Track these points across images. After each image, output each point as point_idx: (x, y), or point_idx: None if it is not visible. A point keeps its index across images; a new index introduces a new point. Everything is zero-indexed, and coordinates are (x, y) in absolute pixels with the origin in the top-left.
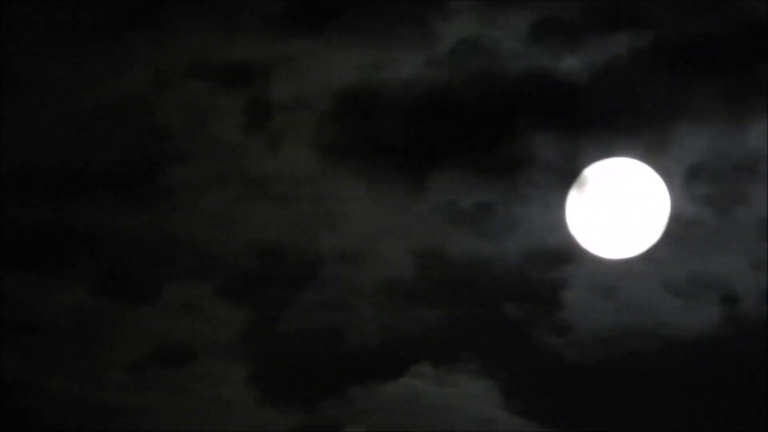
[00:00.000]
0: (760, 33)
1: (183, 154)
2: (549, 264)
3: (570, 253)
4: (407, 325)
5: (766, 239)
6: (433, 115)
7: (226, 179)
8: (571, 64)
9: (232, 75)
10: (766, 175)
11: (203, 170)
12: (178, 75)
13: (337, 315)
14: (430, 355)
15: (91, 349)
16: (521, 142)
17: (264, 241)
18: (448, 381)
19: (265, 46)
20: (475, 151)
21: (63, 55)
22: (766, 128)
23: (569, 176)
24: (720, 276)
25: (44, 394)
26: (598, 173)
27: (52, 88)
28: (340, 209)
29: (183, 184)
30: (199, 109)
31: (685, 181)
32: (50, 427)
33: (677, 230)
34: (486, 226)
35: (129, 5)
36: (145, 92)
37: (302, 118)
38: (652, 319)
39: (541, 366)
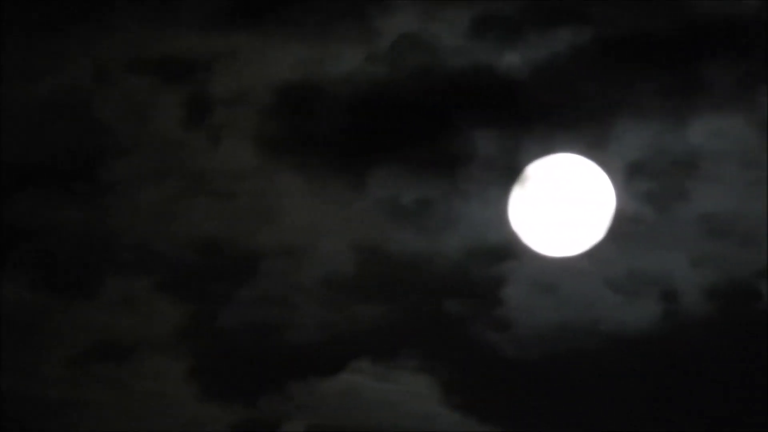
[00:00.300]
0: (701, 30)
1: (123, 149)
2: (489, 260)
3: (511, 249)
4: (347, 320)
5: (706, 236)
6: (373, 110)
7: (166, 174)
8: (512, 59)
9: (172, 70)
10: (706, 171)
11: (143, 165)
12: (117, 69)
13: (277, 310)
14: (370, 351)
15: (30, 343)
16: (462, 138)
17: (204, 235)
18: (388, 377)
19: (206, 40)
20: (415, 146)
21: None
22: (707, 125)
23: (510, 172)
24: (660, 272)
25: None
26: (541, 169)
27: None
28: (281, 204)
29: (122, 179)
30: (139, 103)
31: (625, 177)
32: None
33: (617, 227)
34: (426, 222)
35: None
36: (85, 87)
37: (242, 113)
38: (592, 316)
39: (481, 362)
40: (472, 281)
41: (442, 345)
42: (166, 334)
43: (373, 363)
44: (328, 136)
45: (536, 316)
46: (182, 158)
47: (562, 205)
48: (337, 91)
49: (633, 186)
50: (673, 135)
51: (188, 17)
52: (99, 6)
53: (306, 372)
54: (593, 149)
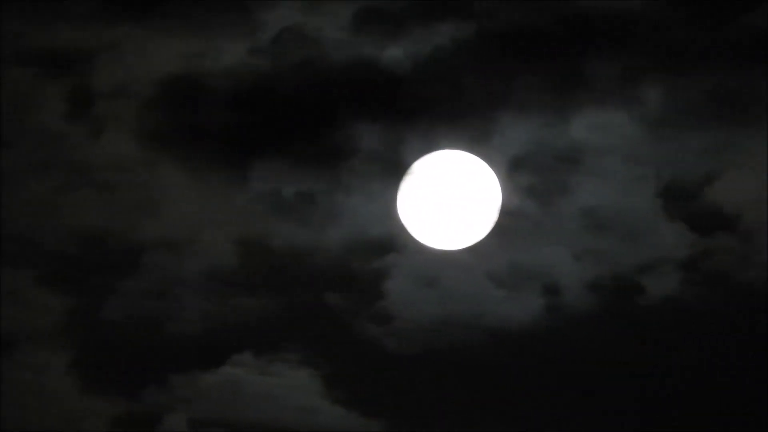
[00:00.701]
0: (583, 25)
1: (5, 142)
2: (371, 254)
3: (393, 243)
4: (229, 313)
5: (588, 230)
6: (256, 103)
7: (49, 166)
8: (395, 53)
9: (54, 62)
10: (588, 166)
11: (25, 157)
12: (0, 62)
13: (159, 303)
14: (252, 344)
15: None
16: (344, 132)
17: (86, 228)
18: (270, 370)
19: (88, 33)
20: (298, 140)
21: None
22: (589, 119)
23: (392, 166)
24: (542, 267)
25: None
26: (428, 165)
27: None
28: (163, 197)
29: (5, 172)
30: (22, 96)
31: (507, 172)
32: None
33: (500, 221)
34: (308, 216)
35: None
36: None
37: (125, 106)
38: (474, 310)
39: (363, 356)
40: (354, 275)
41: (324, 338)
42: (47, 326)
43: (255, 356)
44: (210, 129)
45: (418, 309)
46: (64, 151)
47: (447, 200)
48: (219, 84)
49: (515, 180)
50: (555, 130)
51: (71, 10)
52: None
53: (188, 365)
54: (476, 144)
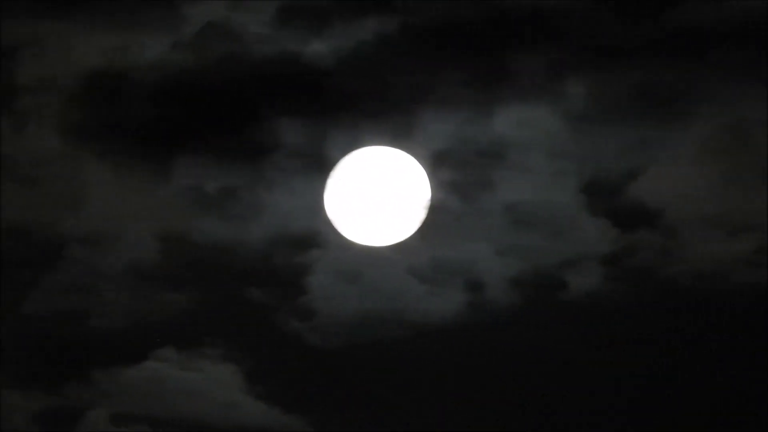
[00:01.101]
0: (507, 20)
1: None
2: (294, 249)
3: (315, 238)
4: (152, 308)
5: (511, 226)
6: (179, 98)
7: None
8: (318, 48)
9: None
10: (511, 161)
11: None
12: None
13: (82, 297)
14: (175, 339)
15: None
16: (268, 127)
17: (8, 222)
18: (192, 365)
19: (10, 27)
20: (221, 135)
21: None
22: (513, 114)
23: (316, 161)
24: (465, 262)
25: None
26: (355, 160)
27: None
28: (85, 191)
29: None
30: None
31: (431, 167)
32: None
33: (423, 216)
34: (231, 211)
35: None
36: None
37: (48, 100)
38: (396, 305)
39: (285, 351)
40: (277, 270)
41: (247, 334)
42: None
43: (178, 351)
44: (133, 124)
45: (340, 305)
46: None
47: (371, 196)
48: (143, 78)
49: (439, 176)
50: (478, 125)
51: None
52: None
53: (110, 360)
54: (399, 139)
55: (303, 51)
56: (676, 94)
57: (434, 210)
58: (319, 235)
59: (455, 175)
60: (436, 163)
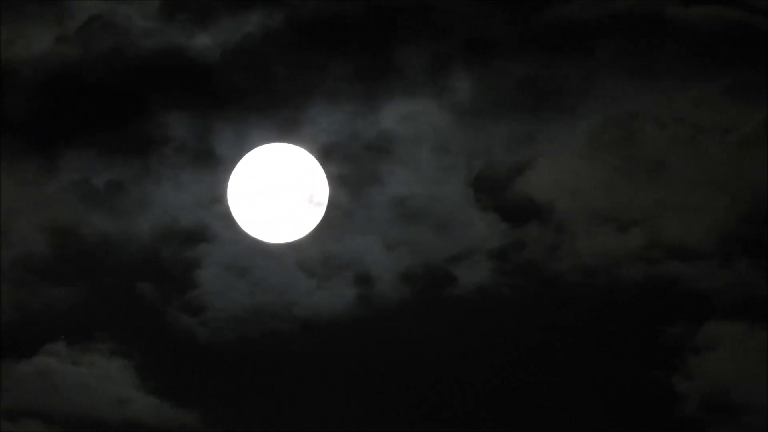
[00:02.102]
0: (393, 14)
1: None
2: (183, 243)
3: (204, 233)
4: (41, 302)
5: (400, 220)
6: (65, 92)
7: None
8: (204, 42)
9: None
10: (398, 155)
11: None
12: None
13: None
14: (65, 334)
15: None
16: (154, 121)
17: None
18: (83, 360)
19: None
20: (107, 129)
21: None
22: (399, 109)
23: (203, 155)
24: (354, 256)
25: None
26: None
27: None
28: None
29: None
30: None
31: (318, 162)
32: None
33: (312, 211)
34: (119, 204)
35: None
36: None
37: None
38: (286, 300)
39: (176, 345)
40: (166, 264)
41: (137, 328)
42: None
43: (68, 346)
44: (18, 118)
45: (230, 299)
46: None
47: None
48: (27, 72)
49: (326, 170)
50: (365, 119)
51: None
52: None
53: (0, 355)
54: (287, 133)
55: (189, 44)
56: (564, 88)
57: (323, 204)
58: (208, 229)
59: (343, 169)
60: (323, 158)
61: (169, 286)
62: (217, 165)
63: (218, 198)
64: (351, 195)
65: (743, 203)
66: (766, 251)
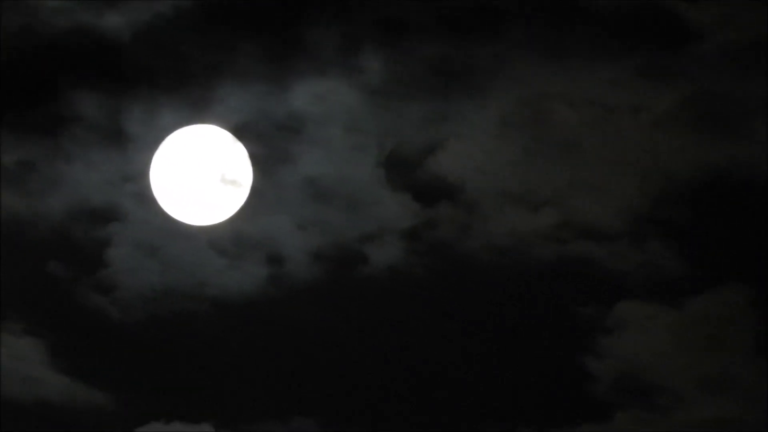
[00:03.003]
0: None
1: None
2: (94, 222)
3: (115, 211)
4: None
5: (311, 199)
6: None
7: None
8: (114, 21)
9: None
10: (309, 135)
11: None
12: None
13: None
14: None
15: None
16: (65, 100)
17: None
18: None
19: None
20: (17, 108)
21: None
22: (310, 88)
23: (114, 134)
24: (265, 236)
25: None
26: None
27: None
28: None
29: None
30: None
31: (230, 141)
32: None
33: (223, 189)
34: (29, 184)
35: None
36: None
37: None
38: (197, 279)
39: (87, 325)
40: (77, 243)
41: (48, 308)
42: None
43: None
44: None
45: (141, 278)
46: None
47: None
48: None
49: (238, 150)
50: (276, 98)
51: None
52: None
53: None
54: (197, 112)
55: (98, 24)
56: (475, 68)
57: (234, 183)
58: (119, 208)
59: (254, 148)
60: (235, 137)
61: (80, 266)
62: (128, 144)
63: (129, 177)
64: (262, 175)
65: (655, 184)
66: (678, 232)
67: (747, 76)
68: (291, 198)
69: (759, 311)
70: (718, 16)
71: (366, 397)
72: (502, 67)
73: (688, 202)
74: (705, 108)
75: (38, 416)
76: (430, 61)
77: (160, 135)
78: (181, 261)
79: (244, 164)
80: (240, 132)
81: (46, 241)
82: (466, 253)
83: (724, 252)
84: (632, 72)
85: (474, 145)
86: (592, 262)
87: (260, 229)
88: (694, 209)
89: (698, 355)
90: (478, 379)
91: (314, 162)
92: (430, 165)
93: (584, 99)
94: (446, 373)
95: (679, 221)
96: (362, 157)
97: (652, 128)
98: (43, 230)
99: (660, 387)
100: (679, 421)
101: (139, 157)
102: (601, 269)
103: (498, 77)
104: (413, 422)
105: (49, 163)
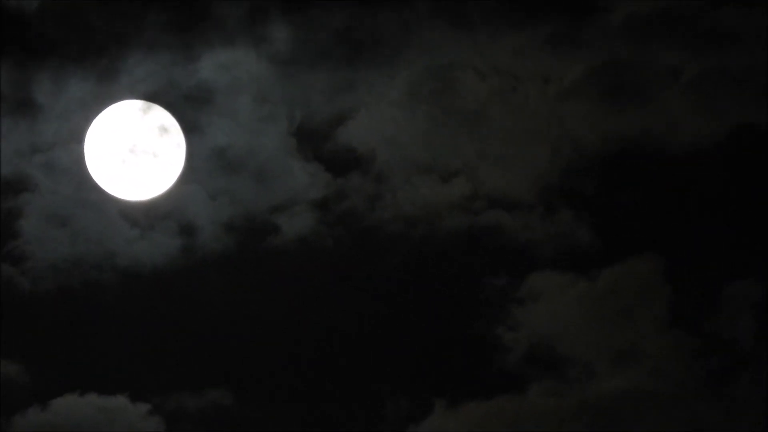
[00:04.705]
0: None
1: None
2: (4, 193)
3: (25, 182)
4: None
5: (221, 170)
6: None
7: None
8: None
9: None
10: (218, 106)
11: None
12: None
13: None
14: None
15: None
16: None
17: None
18: None
19: None
20: None
21: None
22: (218, 58)
23: (21, 104)
24: (177, 206)
25: None
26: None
27: None
28: None
29: None
30: None
31: (138, 111)
32: None
33: (133, 160)
34: None
35: None
36: None
37: None
38: (107, 249)
39: None
40: None
41: None
42: None
43: None
44: None
45: (52, 249)
46: None
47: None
48: None
49: (146, 120)
50: (184, 68)
51: None
52: None
53: None
54: (106, 83)
55: None
56: (382, 38)
57: (144, 153)
58: (29, 179)
59: (162, 119)
60: (143, 107)
61: None
62: (37, 115)
63: (39, 148)
64: (173, 145)
65: (564, 154)
66: (587, 203)
67: (654, 46)
68: (202, 168)
69: (670, 283)
70: None
71: (278, 367)
72: (410, 37)
73: (598, 173)
74: (613, 78)
75: None
76: (338, 31)
77: (69, 106)
78: (91, 232)
79: (154, 135)
80: (148, 101)
81: None
82: (376, 223)
83: (634, 223)
84: (541, 42)
85: (383, 115)
86: (503, 233)
87: (172, 199)
88: (604, 180)
89: (610, 327)
90: (390, 351)
91: (224, 132)
92: (341, 135)
93: (493, 68)
94: (358, 344)
95: (589, 191)
96: (271, 128)
97: (560, 98)
98: None
99: (572, 359)
100: (591, 393)
101: (49, 127)
102: (512, 240)
103: (406, 47)
104: (325, 392)
105: None
